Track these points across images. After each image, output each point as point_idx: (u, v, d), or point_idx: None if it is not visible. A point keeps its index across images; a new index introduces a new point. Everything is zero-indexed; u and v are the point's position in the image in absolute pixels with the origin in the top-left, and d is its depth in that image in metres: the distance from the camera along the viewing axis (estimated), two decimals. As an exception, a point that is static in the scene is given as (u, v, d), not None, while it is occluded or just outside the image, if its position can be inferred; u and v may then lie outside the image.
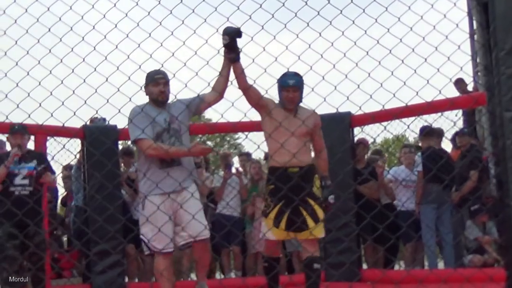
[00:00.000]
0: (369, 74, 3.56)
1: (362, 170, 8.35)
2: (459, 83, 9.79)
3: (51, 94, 3.91)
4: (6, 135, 7.14)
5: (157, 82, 5.45)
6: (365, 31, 3.65)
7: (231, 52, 5.22)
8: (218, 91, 5.52)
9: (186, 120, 5.57)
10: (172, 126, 5.43)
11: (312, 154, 5.84)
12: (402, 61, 3.57)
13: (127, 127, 5.48)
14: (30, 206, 6.20)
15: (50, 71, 3.87)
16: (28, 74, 3.89)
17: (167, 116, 5.42)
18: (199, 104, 5.54)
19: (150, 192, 5.34)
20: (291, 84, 5.56)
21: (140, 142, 5.32)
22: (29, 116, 4.11)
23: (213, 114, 27.67)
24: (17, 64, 3.89)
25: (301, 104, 5.69)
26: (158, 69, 5.45)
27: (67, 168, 9.32)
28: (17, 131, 6.91)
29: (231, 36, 5.11)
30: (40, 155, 7.22)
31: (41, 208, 7.03)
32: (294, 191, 5.36)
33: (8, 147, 7.37)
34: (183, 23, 4.25)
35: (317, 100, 3.99)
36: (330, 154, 5.93)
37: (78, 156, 8.50)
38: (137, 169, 5.84)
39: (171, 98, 5.51)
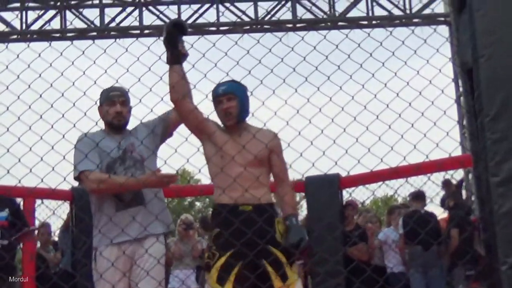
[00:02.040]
0: (356, 139, 3.61)
1: (351, 233, 8.35)
2: (447, 185, 9.53)
3: (41, 159, 3.93)
4: None
5: (112, 100, 4.39)
6: (352, 97, 3.72)
7: (168, 49, 4.27)
8: None
9: (152, 146, 4.50)
10: (131, 154, 4.39)
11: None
12: (389, 126, 3.62)
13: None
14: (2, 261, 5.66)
15: (41, 137, 3.89)
16: (19, 140, 3.91)
17: (124, 143, 4.38)
18: (165, 124, 4.52)
19: (101, 242, 4.29)
20: (221, 92, 4.38)
21: (84, 175, 4.23)
22: (19, 181, 4.12)
23: (201, 176, 27.69)
24: (8, 130, 3.92)
25: (250, 123, 4.51)
26: (116, 86, 4.45)
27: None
28: None
29: (168, 29, 4.23)
30: (11, 202, 6.28)
31: (14, 263, 6.30)
32: (250, 237, 4.12)
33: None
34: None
35: (306, 165, 4.04)
36: (319, 217, 5.91)
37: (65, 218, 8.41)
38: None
39: (133, 123, 4.55)
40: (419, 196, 8.57)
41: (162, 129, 4.52)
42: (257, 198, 4.24)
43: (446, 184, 9.32)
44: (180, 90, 4.25)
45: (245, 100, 4.42)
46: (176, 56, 4.25)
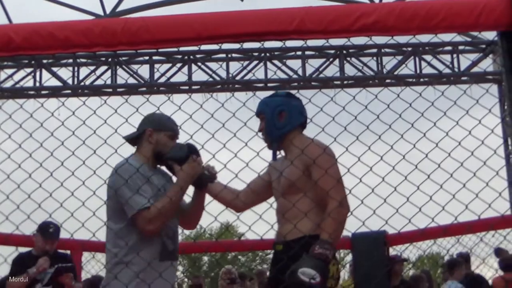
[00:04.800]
0: (407, 198, 3.59)
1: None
2: (501, 253, 9.17)
3: (94, 214, 3.96)
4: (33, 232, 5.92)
5: (176, 134, 4.04)
6: (404, 156, 3.71)
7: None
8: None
9: None
10: None
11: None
12: (441, 186, 3.60)
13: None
14: None
15: (94, 192, 3.93)
16: (72, 194, 3.96)
17: (167, 180, 4.04)
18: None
19: None
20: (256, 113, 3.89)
21: (144, 214, 3.68)
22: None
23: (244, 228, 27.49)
24: (62, 184, 3.96)
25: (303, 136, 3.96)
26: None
27: None
28: (52, 236, 5.91)
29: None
30: (64, 258, 6.24)
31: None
32: (280, 279, 3.49)
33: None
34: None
35: (356, 224, 4.01)
36: (366, 273, 5.81)
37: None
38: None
39: None
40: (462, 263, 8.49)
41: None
42: (288, 232, 3.63)
43: (498, 252, 9.12)
44: (226, 200, 4.00)
45: (273, 117, 3.84)
46: (197, 181, 3.88)
